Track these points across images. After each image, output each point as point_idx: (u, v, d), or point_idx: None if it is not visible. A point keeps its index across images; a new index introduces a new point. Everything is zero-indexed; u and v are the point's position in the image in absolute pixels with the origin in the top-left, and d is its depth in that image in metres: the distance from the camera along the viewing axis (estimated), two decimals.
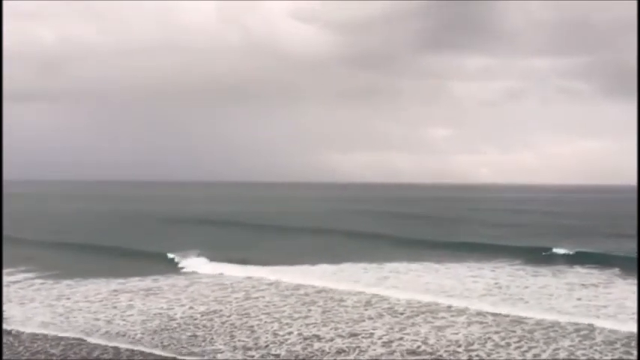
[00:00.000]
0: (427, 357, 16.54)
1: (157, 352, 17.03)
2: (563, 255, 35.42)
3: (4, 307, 21.80)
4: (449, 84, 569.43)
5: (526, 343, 17.79)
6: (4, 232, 40.65)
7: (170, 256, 34.60)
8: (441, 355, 16.67)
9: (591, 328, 19.32)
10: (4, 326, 19.47)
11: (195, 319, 20.61)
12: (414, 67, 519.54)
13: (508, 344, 17.67)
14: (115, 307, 22.41)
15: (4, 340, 18.05)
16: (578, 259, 33.77)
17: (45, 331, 19.12)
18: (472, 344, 17.66)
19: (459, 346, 17.54)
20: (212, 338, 18.34)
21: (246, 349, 17.27)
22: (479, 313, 21.39)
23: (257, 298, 24.20)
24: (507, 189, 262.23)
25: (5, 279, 27.79)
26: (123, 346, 17.53)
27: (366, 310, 21.95)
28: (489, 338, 18.26)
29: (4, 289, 25.27)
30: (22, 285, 26.99)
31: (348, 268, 31.54)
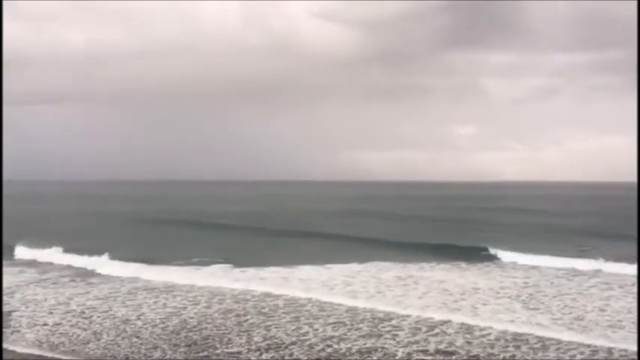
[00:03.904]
0: (457, 357, 15.40)
1: None
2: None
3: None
4: (475, 81, 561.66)
5: (565, 345, 16.53)
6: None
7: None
8: (475, 356, 15.52)
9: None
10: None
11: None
12: (440, 64, 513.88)
13: (545, 346, 16.43)
14: None
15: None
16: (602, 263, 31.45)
17: None
18: (507, 347, 16.45)
19: (493, 347, 16.36)
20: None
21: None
22: (511, 315, 20.16)
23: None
24: (533, 187, 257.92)
25: None
26: None
27: (391, 309, 20.84)
28: (525, 340, 17.03)
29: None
30: None
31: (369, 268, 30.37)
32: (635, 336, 17.06)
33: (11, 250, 35.82)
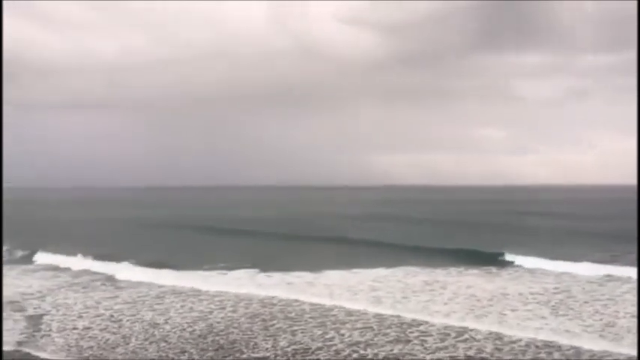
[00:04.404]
0: None
1: None
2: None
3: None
4: (504, 83, 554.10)
5: (599, 353, 16.15)
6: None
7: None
8: None
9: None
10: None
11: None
12: (467, 66, 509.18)
13: (578, 353, 16.07)
14: None
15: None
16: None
17: None
18: (538, 354, 16.13)
19: (524, 354, 16.05)
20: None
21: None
22: (541, 321, 19.79)
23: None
24: (565, 190, 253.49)
25: None
26: None
27: (418, 314, 20.63)
28: (557, 347, 16.68)
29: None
30: None
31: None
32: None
33: (33, 255, 36.47)
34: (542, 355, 15.89)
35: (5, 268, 32.31)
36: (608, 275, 28.13)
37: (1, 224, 41.36)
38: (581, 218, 70.47)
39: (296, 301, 23.11)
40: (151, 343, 17.64)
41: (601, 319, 19.75)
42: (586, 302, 22.47)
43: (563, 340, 17.17)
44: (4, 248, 39.43)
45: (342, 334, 18.18)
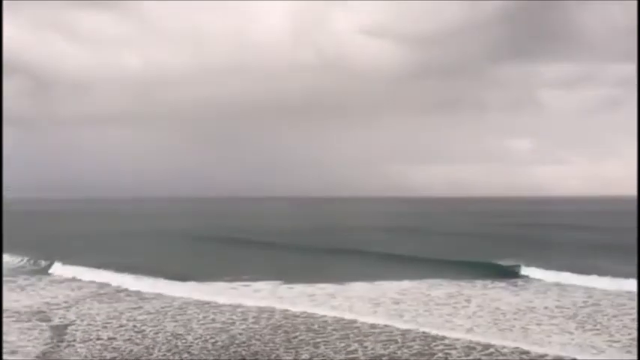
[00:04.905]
0: None
1: None
2: None
3: None
4: (531, 94, 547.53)
5: None
6: None
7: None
8: None
9: None
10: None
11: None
12: (494, 77, 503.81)
13: None
14: None
15: None
16: None
17: None
18: None
19: None
20: None
21: None
22: (568, 336, 19.38)
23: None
24: (595, 201, 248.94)
25: None
26: None
27: (442, 328, 20.37)
28: None
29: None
30: None
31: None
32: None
33: (58, 265, 36.80)
34: None
35: (32, 279, 32.88)
36: (633, 290, 27.47)
37: (2, 231, 42.10)
38: (609, 230, 69.08)
39: (318, 313, 23.01)
40: (173, 354, 17.66)
41: (629, 334, 19.28)
42: (614, 316, 21.97)
43: (591, 356, 16.80)
44: (26, 259, 40.21)
45: (365, 347, 18.01)
